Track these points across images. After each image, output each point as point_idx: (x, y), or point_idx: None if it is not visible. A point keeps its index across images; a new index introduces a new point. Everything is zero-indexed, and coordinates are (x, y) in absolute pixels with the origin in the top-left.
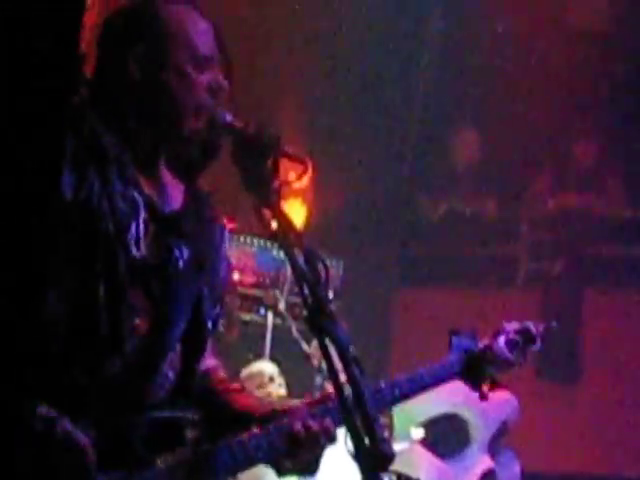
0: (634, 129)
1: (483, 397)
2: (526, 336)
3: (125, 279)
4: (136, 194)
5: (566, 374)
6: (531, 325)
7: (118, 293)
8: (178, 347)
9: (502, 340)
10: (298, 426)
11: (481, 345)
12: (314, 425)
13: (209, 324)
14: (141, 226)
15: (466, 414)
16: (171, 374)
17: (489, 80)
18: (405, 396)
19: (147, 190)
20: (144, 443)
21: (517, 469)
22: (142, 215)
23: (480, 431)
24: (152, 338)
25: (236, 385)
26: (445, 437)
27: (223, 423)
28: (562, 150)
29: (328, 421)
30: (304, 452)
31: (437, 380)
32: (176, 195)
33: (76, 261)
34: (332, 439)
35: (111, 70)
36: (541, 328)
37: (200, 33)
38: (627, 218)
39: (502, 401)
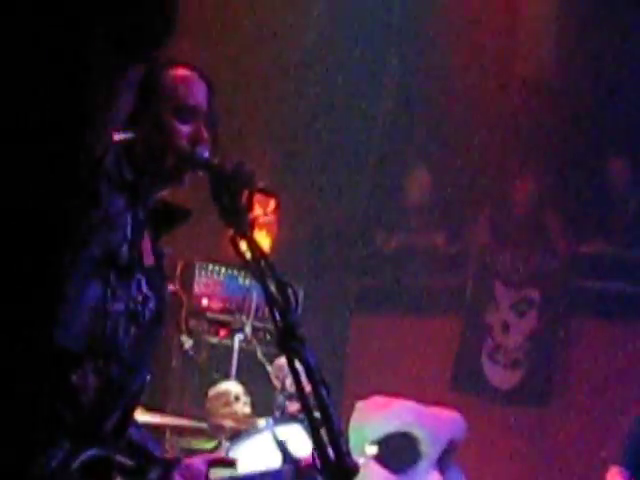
0: (570, 171)
1: None
2: None
3: (125, 318)
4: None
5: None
6: None
7: (117, 328)
8: None
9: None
10: None
11: (305, 463)
12: None
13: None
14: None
15: (416, 432)
16: (118, 413)
17: (439, 126)
18: None
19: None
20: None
21: None
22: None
23: (430, 448)
24: (120, 380)
25: None
26: (397, 453)
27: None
28: (503, 190)
29: None
30: None
31: None
32: (147, 248)
33: (93, 278)
34: None
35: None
36: None
37: (189, 87)
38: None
39: (451, 421)
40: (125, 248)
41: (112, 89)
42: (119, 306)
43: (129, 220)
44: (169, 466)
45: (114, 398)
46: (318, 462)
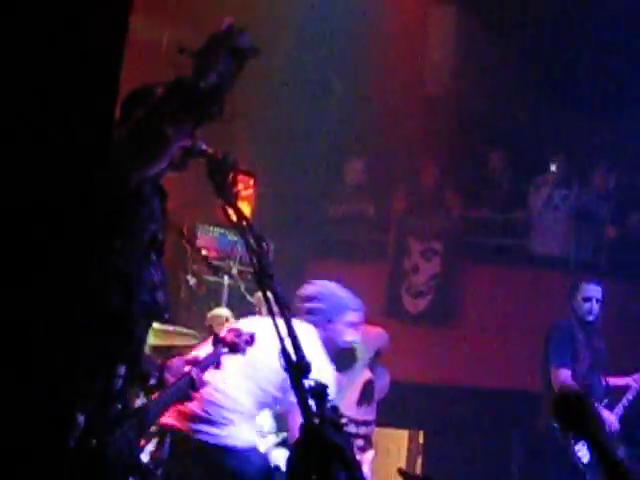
0: (463, 159)
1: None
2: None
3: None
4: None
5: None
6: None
7: (161, 295)
8: None
9: (244, 340)
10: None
11: (226, 338)
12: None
13: None
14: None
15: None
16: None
17: (370, 127)
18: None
19: None
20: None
21: (387, 379)
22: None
23: (363, 354)
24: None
25: None
26: (339, 357)
27: None
28: (414, 172)
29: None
30: None
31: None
32: None
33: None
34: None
35: None
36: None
37: None
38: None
39: (378, 335)
40: (161, 234)
41: None
42: (158, 276)
43: (160, 211)
44: (162, 369)
45: (145, 333)
46: (284, 361)
